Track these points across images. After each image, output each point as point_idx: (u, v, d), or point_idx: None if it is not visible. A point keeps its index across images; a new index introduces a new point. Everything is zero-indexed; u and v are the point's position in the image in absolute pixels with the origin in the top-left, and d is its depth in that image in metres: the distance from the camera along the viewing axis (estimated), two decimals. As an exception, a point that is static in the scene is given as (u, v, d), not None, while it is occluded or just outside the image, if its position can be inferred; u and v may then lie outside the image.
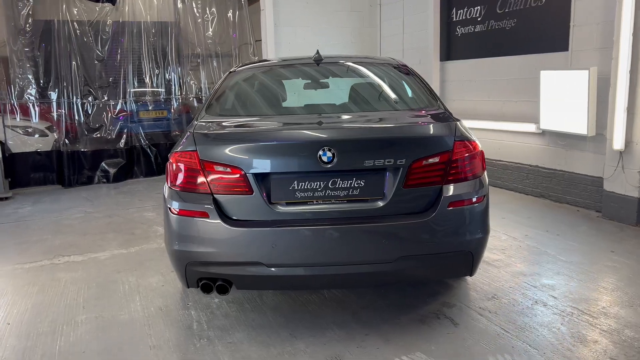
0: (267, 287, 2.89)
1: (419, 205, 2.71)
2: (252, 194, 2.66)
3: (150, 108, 7.93)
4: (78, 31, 7.39)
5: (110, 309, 3.37)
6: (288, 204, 2.69)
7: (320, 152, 2.62)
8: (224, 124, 3.04)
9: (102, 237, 4.92)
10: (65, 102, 7.40)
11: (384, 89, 3.60)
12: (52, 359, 2.77)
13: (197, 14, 7.98)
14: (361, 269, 2.69)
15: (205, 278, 2.75)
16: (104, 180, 7.67)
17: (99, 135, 7.63)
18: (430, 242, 2.69)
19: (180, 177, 2.74)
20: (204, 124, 2.99)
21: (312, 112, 3.40)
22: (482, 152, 2.89)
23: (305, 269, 2.68)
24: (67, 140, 7.46)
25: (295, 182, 2.68)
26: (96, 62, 7.56)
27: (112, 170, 7.70)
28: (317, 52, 3.77)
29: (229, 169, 2.66)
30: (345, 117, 3.15)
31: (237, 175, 2.65)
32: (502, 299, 3.33)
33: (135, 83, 7.80)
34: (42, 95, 7.38)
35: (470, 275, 2.93)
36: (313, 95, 3.79)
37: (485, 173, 2.95)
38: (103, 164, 7.66)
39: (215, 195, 2.68)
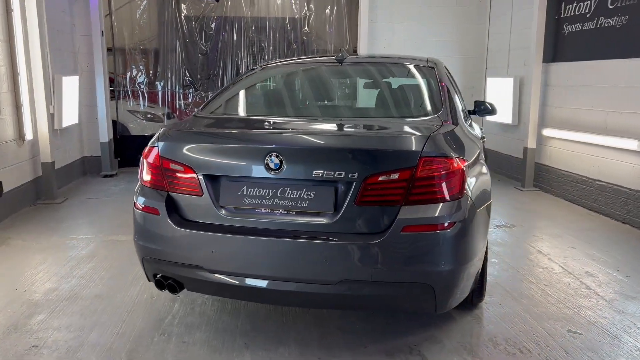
0: (212, 292, 2.80)
1: (372, 226, 2.40)
2: (202, 195, 2.59)
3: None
4: (185, 27, 7.93)
5: (112, 290, 3.55)
6: (237, 209, 2.57)
7: (268, 159, 2.46)
8: (196, 122, 3.00)
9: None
10: (169, 92, 8.00)
11: (391, 93, 3.28)
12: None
13: (295, 10, 8.06)
14: (301, 288, 2.47)
15: (158, 275, 2.75)
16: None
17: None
18: (378, 268, 2.38)
19: (143, 172, 2.77)
20: (178, 121, 2.98)
21: (300, 115, 3.22)
22: (462, 171, 2.47)
23: (241, 280, 2.54)
24: (168, 127, 8.07)
25: (245, 187, 2.55)
26: (199, 55, 8.04)
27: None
28: (341, 50, 3.56)
29: (182, 168, 2.62)
30: (323, 122, 2.93)
31: (189, 176, 2.60)
32: (502, 345, 2.85)
33: (234, 77, 8.15)
34: (151, 84, 8.07)
35: (436, 312, 2.54)
36: (316, 96, 3.59)
37: (471, 195, 2.53)
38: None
39: (170, 194, 2.67)
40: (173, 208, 2.66)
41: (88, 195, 6.37)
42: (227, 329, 3.01)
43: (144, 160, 2.78)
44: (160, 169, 2.68)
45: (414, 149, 2.40)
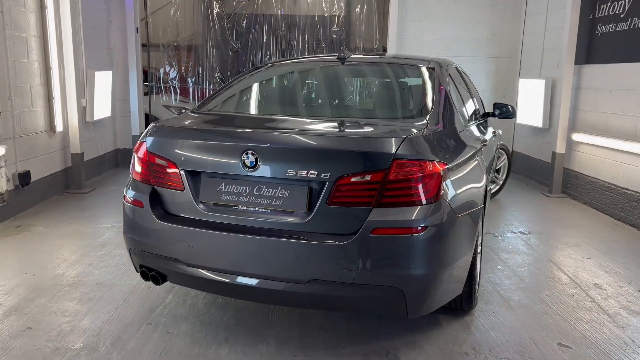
0: (190, 286, 2.85)
1: (344, 227, 2.39)
2: (183, 190, 2.65)
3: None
4: (217, 24, 8.08)
5: (114, 278, 3.68)
6: (215, 205, 2.62)
7: (244, 156, 2.49)
8: (186, 119, 3.06)
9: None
10: (199, 88, 8.19)
11: (384, 94, 3.24)
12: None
13: (325, 8, 8.07)
14: (272, 286, 2.49)
15: (143, 266, 2.83)
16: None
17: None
18: (346, 270, 2.36)
19: (134, 166, 2.86)
20: (169, 117, 3.05)
21: (287, 114, 3.24)
22: (438, 175, 2.42)
23: (216, 275, 2.58)
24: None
25: (223, 184, 2.59)
26: (230, 52, 8.18)
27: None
28: (342, 49, 3.55)
29: (166, 163, 2.69)
30: (305, 121, 2.97)
31: (172, 171, 2.67)
32: (483, 354, 2.78)
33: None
34: (183, 80, 8.28)
35: (407, 316, 2.50)
36: (309, 96, 3.59)
37: (449, 200, 2.48)
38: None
39: (155, 188, 2.74)
40: (157, 202, 2.73)
41: (115, 186, 6.60)
42: (213, 322, 3.06)
43: (134, 155, 2.87)
44: (148, 164, 2.75)
45: (386, 151, 2.37)
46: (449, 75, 3.57)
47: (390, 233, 2.34)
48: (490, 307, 3.33)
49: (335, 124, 2.84)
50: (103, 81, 7.00)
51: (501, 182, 6.26)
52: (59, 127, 5.96)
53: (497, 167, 6.17)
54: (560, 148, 6.40)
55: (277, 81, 3.68)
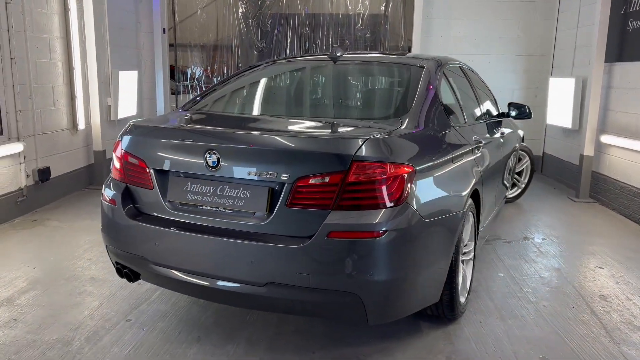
0: (160, 284, 2.85)
1: (302, 229, 2.33)
2: (152, 189, 2.67)
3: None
4: (242, 24, 8.15)
5: (108, 273, 3.72)
6: (181, 204, 2.61)
7: (207, 156, 2.48)
8: (164, 118, 3.08)
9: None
10: (224, 87, 8.29)
11: (366, 94, 3.16)
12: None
13: (350, 7, 7.98)
14: (232, 287, 2.46)
15: (118, 263, 2.87)
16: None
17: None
18: (302, 273, 2.30)
19: (112, 164, 2.90)
20: (149, 117, 3.08)
21: (264, 113, 3.23)
22: (401, 178, 2.32)
23: (181, 275, 2.57)
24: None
25: (189, 183, 2.58)
26: (255, 52, 8.23)
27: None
28: (335, 48, 3.48)
29: (138, 162, 2.71)
30: (278, 121, 2.97)
31: (143, 169, 2.68)
32: (458, 364, 2.66)
33: (287, 72, 8.25)
34: (209, 79, 8.40)
35: (368, 323, 2.41)
36: (290, 95, 3.54)
37: (415, 203, 2.37)
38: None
39: (128, 186, 2.77)
40: (130, 200, 2.76)
41: (136, 183, 6.76)
42: (190, 321, 3.07)
43: (112, 153, 2.91)
44: (123, 162, 2.79)
45: (345, 152, 2.29)
46: (444, 74, 3.44)
47: (347, 237, 2.26)
48: (480, 316, 3.18)
49: (304, 124, 2.79)
50: (128, 80, 7.19)
51: (523, 186, 6.00)
52: (81, 125, 6.16)
53: (519, 170, 5.92)
54: (589, 150, 6.07)
55: (265, 80, 3.65)
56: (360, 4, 7.95)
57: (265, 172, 2.37)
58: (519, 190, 5.99)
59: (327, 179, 2.30)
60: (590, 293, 3.55)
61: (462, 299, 3.13)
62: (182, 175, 2.61)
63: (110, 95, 6.74)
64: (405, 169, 2.36)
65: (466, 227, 3.13)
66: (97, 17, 6.17)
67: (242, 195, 2.46)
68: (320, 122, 2.83)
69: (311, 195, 2.32)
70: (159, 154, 2.65)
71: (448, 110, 3.26)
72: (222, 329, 2.99)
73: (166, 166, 2.63)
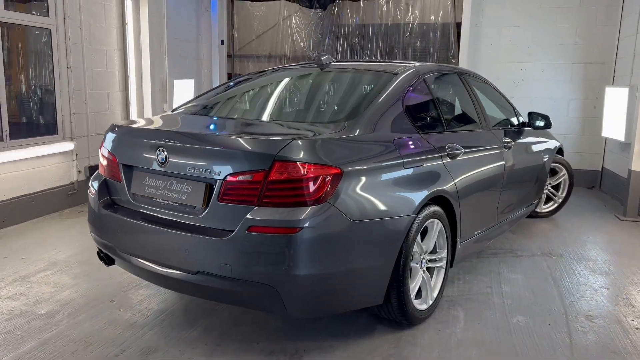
0: (127, 270, 3.08)
1: (229, 223, 2.49)
2: (121, 182, 2.97)
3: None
4: (295, 34, 8.46)
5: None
6: (142, 197, 2.88)
7: (158, 152, 2.73)
8: (147, 119, 3.39)
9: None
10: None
11: (330, 99, 3.25)
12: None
13: (399, 16, 8.00)
14: (172, 274, 2.67)
15: (99, 249, 3.19)
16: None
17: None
18: (226, 264, 2.46)
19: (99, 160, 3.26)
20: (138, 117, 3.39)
21: (226, 116, 3.45)
22: (322, 178, 2.41)
23: (136, 261, 2.83)
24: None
25: (147, 177, 2.84)
26: (306, 62, 8.49)
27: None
28: (321, 55, 3.62)
29: (112, 157, 3.02)
30: (230, 123, 3.20)
31: (115, 164, 3.00)
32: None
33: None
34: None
35: (288, 315, 2.51)
36: (259, 100, 3.70)
37: (339, 203, 2.45)
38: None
39: (106, 179, 3.10)
40: (107, 192, 3.08)
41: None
42: (165, 305, 3.33)
43: (99, 150, 3.27)
44: (104, 157, 3.12)
45: (268, 152, 2.43)
46: (426, 82, 3.45)
47: (265, 232, 2.40)
48: (442, 325, 3.14)
49: (249, 126, 2.99)
50: (185, 88, 7.74)
51: (560, 201, 5.68)
52: (135, 128, 6.76)
53: (555, 183, 5.63)
54: (637, 165, 5.63)
55: (247, 86, 3.86)
56: (410, 13, 7.95)
57: (202, 169, 2.58)
58: (555, 205, 5.69)
59: (251, 177, 2.45)
60: (578, 312, 3.36)
61: (424, 306, 3.11)
62: (142, 170, 2.88)
63: (166, 101, 7.32)
64: (329, 170, 2.45)
65: (430, 234, 3.12)
66: (153, 31, 6.76)
67: (185, 190, 2.68)
68: (267, 124, 3.01)
69: (238, 192, 2.49)
70: (126, 150, 2.95)
71: (418, 117, 3.27)
72: (189, 314, 3.22)
73: (131, 161, 2.92)
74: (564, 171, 5.60)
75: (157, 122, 3.26)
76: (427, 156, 3.08)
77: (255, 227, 2.41)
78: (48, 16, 5.37)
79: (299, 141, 2.48)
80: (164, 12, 7.08)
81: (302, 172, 2.40)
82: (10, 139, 5.01)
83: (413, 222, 2.85)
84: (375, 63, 4.11)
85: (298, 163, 2.41)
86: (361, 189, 2.59)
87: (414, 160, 2.95)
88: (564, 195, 5.68)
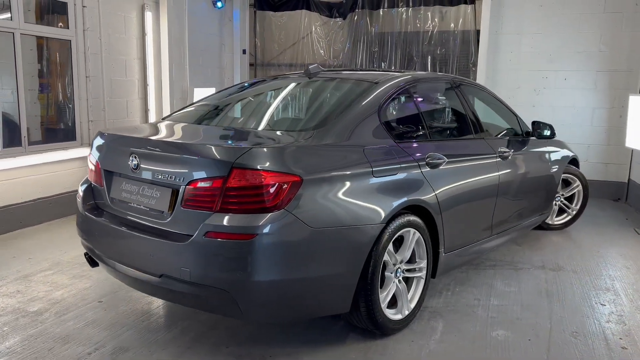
0: (106, 270, 3.19)
1: (190, 228, 2.54)
2: (103, 187, 3.09)
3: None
4: (316, 44, 8.54)
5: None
6: (119, 201, 2.99)
7: (131, 158, 2.83)
8: (134, 126, 3.49)
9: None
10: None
11: (305, 108, 3.28)
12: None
13: (419, 25, 7.95)
14: (140, 276, 2.75)
15: (85, 250, 3.32)
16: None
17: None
18: (185, 268, 2.52)
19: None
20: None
21: (201, 123, 3.51)
22: (279, 185, 2.44)
23: (113, 263, 2.92)
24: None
25: (124, 183, 2.95)
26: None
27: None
28: (311, 65, 3.67)
29: (96, 163, 3.15)
30: (199, 130, 3.29)
31: (98, 169, 3.12)
32: (354, 377, 2.66)
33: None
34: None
35: (244, 319, 2.54)
36: (241, 109, 3.75)
37: (298, 211, 2.47)
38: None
39: (92, 183, 3.23)
40: (92, 196, 3.21)
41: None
42: (151, 307, 3.43)
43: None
44: (91, 162, 3.26)
45: (227, 159, 2.48)
46: (409, 91, 3.44)
47: (220, 237, 2.44)
48: (417, 336, 3.10)
49: (217, 134, 3.07)
50: (204, 96, 7.94)
51: (574, 213, 5.49)
52: (153, 135, 6.98)
53: (568, 195, 5.45)
54: (656, 177, 5.38)
55: (237, 96, 3.93)
56: (429, 21, 7.88)
57: (168, 175, 2.66)
58: (569, 217, 5.50)
59: (210, 184, 2.51)
60: (562, 328, 3.24)
61: (398, 316, 3.08)
62: (119, 175, 2.99)
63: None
64: (287, 177, 2.48)
65: (406, 244, 3.09)
66: (172, 41, 6.98)
67: (155, 195, 2.76)
68: (239, 132, 3.08)
69: (199, 198, 2.55)
70: (107, 156, 3.07)
71: (397, 126, 3.26)
72: (170, 317, 3.30)
73: (110, 167, 3.03)
74: (578, 182, 5.41)
75: (141, 130, 3.38)
76: (402, 165, 3.05)
77: (213, 232, 2.46)
78: (68, 28, 5.63)
79: (258, 149, 2.52)
80: (185, 24, 7.30)
81: (259, 180, 2.44)
82: (29, 144, 5.28)
83: (383, 231, 2.83)
84: (362, 72, 4.11)
85: (255, 171, 2.45)
86: (324, 197, 2.61)
87: (385, 170, 2.94)
88: (578, 207, 5.49)
